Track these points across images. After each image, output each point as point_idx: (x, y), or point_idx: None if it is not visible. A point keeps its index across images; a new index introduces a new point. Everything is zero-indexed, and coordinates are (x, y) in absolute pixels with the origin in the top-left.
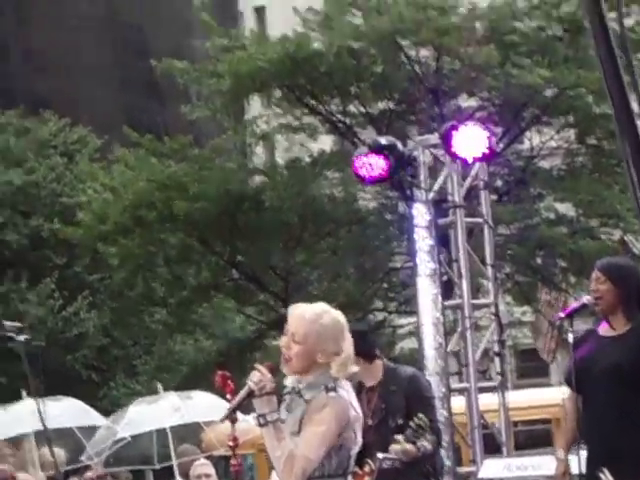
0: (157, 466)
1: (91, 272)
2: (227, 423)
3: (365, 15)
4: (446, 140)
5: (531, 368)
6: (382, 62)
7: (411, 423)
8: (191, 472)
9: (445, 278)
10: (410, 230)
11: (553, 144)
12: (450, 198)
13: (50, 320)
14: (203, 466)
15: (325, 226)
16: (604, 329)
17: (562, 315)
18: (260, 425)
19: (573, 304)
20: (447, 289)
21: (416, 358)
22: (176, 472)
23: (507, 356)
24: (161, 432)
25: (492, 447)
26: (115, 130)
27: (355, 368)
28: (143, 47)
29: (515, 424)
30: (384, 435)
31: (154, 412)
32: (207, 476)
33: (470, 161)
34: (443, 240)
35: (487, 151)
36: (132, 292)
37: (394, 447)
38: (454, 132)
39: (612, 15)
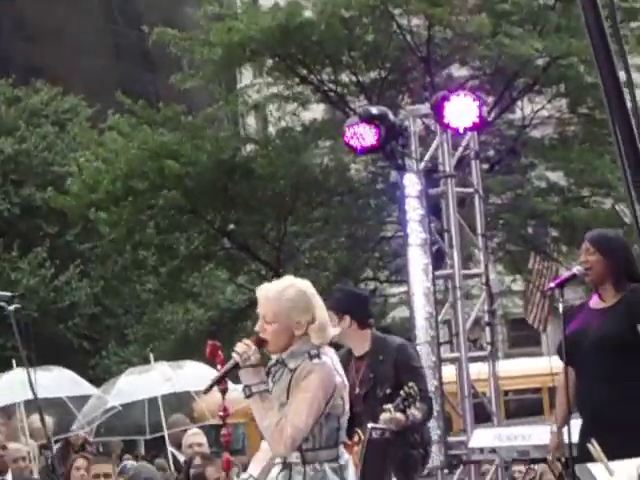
0: (148, 436)
1: (82, 241)
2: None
3: None
4: (437, 110)
5: (522, 337)
6: (374, 31)
7: (401, 392)
8: (184, 441)
9: (436, 248)
10: (401, 200)
11: (545, 113)
12: (441, 168)
13: (42, 290)
14: (195, 435)
15: (317, 195)
16: (595, 302)
17: (552, 285)
18: (246, 396)
19: (563, 274)
20: (438, 259)
21: (407, 327)
22: (167, 442)
23: (498, 326)
24: (153, 401)
25: (483, 416)
26: (106, 99)
27: (335, 331)
28: (135, 15)
29: (506, 393)
30: (372, 405)
31: (145, 382)
32: (199, 445)
33: (461, 131)
34: (434, 210)
35: (478, 121)
36: (123, 260)
37: (384, 416)
38: (445, 102)
39: None
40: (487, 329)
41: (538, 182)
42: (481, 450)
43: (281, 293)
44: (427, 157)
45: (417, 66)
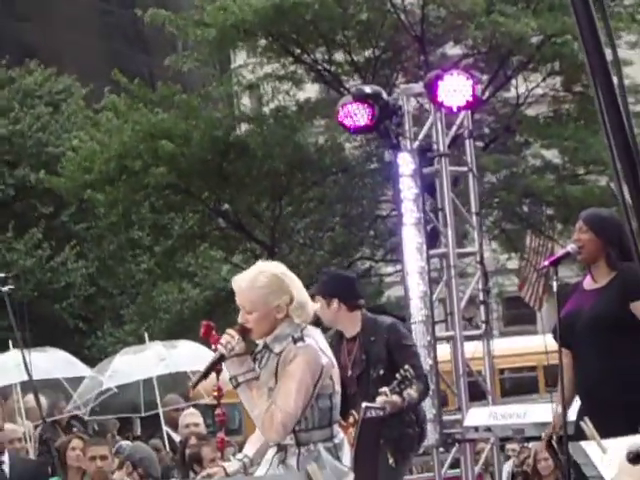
0: (143, 414)
1: (78, 221)
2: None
3: None
4: (431, 89)
5: (518, 315)
6: (367, 10)
7: (397, 374)
8: (180, 421)
9: (430, 227)
10: (395, 179)
11: (539, 91)
12: (435, 147)
13: (38, 271)
14: (191, 415)
15: (312, 175)
16: (588, 282)
17: (546, 263)
18: (234, 387)
19: (557, 252)
20: (432, 238)
21: (403, 306)
22: (162, 421)
23: (492, 304)
24: (147, 382)
25: (478, 395)
26: (100, 80)
27: (315, 306)
28: None
29: (501, 371)
30: (366, 386)
31: (140, 362)
32: (195, 425)
33: (455, 110)
34: (428, 189)
35: (472, 99)
36: (118, 240)
37: (380, 399)
38: (439, 81)
39: None
40: (482, 307)
41: (533, 160)
42: (476, 429)
43: (253, 281)
44: (421, 136)
45: (411, 45)
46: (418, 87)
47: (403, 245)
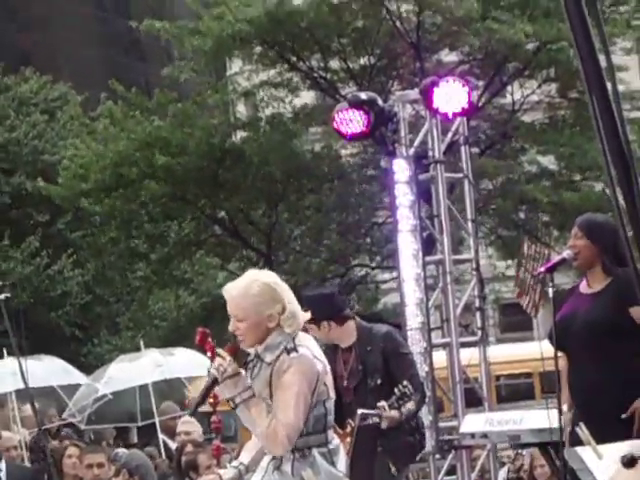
0: (140, 423)
1: (74, 229)
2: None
3: None
4: (426, 96)
5: (514, 322)
6: (363, 17)
7: (395, 390)
8: (177, 429)
9: (426, 233)
10: (391, 186)
11: (535, 98)
12: (431, 153)
13: (35, 279)
14: (186, 424)
15: (308, 182)
16: (584, 286)
17: (542, 270)
18: (232, 408)
19: (553, 259)
20: (428, 244)
21: (399, 313)
22: (158, 429)
23: (489, 311)
24: (143, 388)
25: (474, 401)
26: (96, 87)
27: (306, 316)
28: (124, 2)
29: (498, 378)
30: (364, 396)
31: (136, 369)
32: (191, 433)
33: (450, 116)
34: (424, 195)
35: (467, 106)
36: (115, 249)
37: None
38: (434, 88)
39: None
40: (478, 314)
41: (529, 166)
42: (472, 435)
43: (246, 290)
44: (417, 143)
45: (407, 52)
46: (414, 94)
47: (399, 252)
